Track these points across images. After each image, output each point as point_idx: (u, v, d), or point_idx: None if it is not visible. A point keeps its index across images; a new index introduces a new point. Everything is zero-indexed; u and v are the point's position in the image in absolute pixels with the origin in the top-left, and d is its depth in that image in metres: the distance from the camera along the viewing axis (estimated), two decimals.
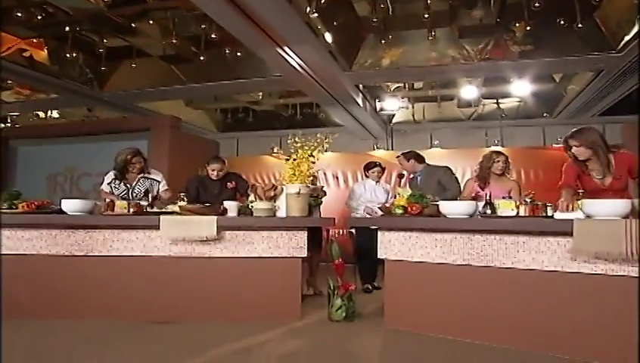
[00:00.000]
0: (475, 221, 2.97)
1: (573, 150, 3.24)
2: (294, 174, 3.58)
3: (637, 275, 2.48)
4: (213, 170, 4.34)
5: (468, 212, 3.02)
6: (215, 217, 3.34)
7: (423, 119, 8.84)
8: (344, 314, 3.34)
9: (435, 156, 8.16)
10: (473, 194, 3.19)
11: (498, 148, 5.39)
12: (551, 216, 2.87)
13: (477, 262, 2.93)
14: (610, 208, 2.57)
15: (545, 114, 8.36)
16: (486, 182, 3.85)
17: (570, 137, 3.25)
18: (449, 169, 4.58)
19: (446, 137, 8.86)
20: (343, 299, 3.36)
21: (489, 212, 3.08)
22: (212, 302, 3.37)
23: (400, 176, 4.95)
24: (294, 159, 3.60)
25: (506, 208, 3.01)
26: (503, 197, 3.16)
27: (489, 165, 3.86)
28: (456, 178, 4.53)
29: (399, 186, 4.78)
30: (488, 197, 3.14)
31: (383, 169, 5.07)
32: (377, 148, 8.99)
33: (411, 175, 4.75)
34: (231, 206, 3.61)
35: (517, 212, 2.98)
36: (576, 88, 7.11)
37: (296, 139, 3.67)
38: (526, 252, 2.79)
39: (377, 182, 5.04)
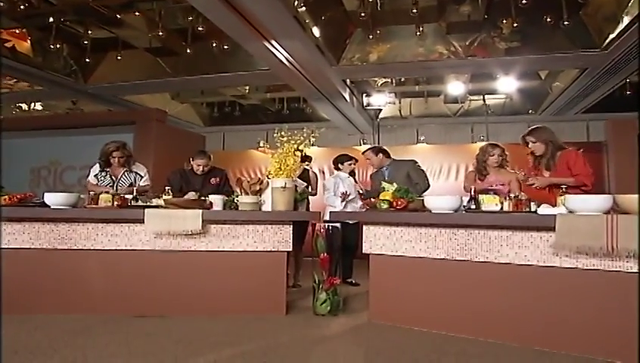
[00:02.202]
0: (459, 216, 3.00)
1: (530, 146, 3.63)
2: (280, 168, 3.57)
3: (618, 270, 2.53)
4: (199, 165, 4.33)
5: (453, 206, 3.05)
6: (201, 211, 3.32)
7: (409, 114, 8.90)
8: (329, 307, 3.36)
9: (421, 151, 8.24)
10: (472, 187, 3.25)
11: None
12: (535, 211, 2.91)
13: (461, 257, 2.97)
14: (592, 203, 2.62)
15: (530, 111, 8.51)
16: (484, 174, 3.91)
17: (527, 134, 3.65)
18: (417, 162, 4.65)
19: (432, 132, 8.94)
20: (328, 293, 3.38)
21: (473, 207, 3.11)
22: (198, 296, 3.35)
23: (352, 174, 4.94)
24: (280, 153, 3.60)
25: (490, 203, 3.04)
26: (488, 191, 3.18)
27: (485, 158, 3.91)
28: (424, 171, 4.60)
29: (356, 183, 4.87)
30: (473, 192, 3.16)
31: (356, 162, 5.07)
32: (364, 143, 9.02)
33: (375, 170, 4.79)
34: (216, 200, 3.60)
35: (501, 207, 3.02)
36: (561, 85, 7.23)
37: (283, 133, 3.66)
38: (509, 247, 2.83)
39: (349, 175, 5.04)
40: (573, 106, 7.81)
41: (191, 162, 4.39)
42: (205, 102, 9.27)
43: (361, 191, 4.78)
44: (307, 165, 4.89)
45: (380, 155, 4.73)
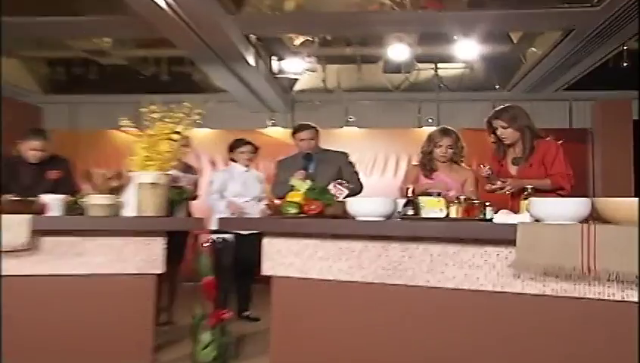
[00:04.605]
0: (392, 225, 3.06)
1: (498, 132, 3.69)
2: (149, 157, 3.51)
3: (597, 297, 2.56)
4: (31, 149, 4.21)
5: (384, 212, 3.10)
6: (28, 217, 3.17)
7: (337, 87, 9.05)
8: (215, 353, 3.33)
9: (349, 137, 8.41)
10: (410, 187, 3.29)
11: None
12: (490, 219, 3.01)
13: (394, 280, 3.01)
14: (564, 209, 2.65)
15: (497, 86, 8.91)
16: (431, 170, 4.05)
17: (495, 116, 3.69)
18: (348, 156, 4.82)
19: (366, 112, 9.14)
20: (213, 333, 3.35)
21: (410, 212, 3.17)
22: (24, 339, 3.19)
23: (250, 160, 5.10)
24: (151, 135, 3.53)
25: (432, 208, 3.12)
26: (430, 193, 3.29)
27: (430, 149, 4.05)
28: (357, 171, 4.78)
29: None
30: (411, 193, 3.25)
31: (256, 150, 5.16)
32: (273, 125, 9.06)
33: (284, 158, 4.93)
34: (52, 201, 3.46)
35: (447, 214, 3.10)
36: (539, 53, 7.45)
37: (155, 108, 3.58)
38: (456, 267, 2.89)
39: (247, 168, 5.12)
40: (552, 80, 8.14)
41: (21, 145, 4.24)
42: (44, 59, 8.87)
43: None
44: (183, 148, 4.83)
45: (316, 139, 4.83)
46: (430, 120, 8.84)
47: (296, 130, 4.93)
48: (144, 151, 3.52)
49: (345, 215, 3.26)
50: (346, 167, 4.66)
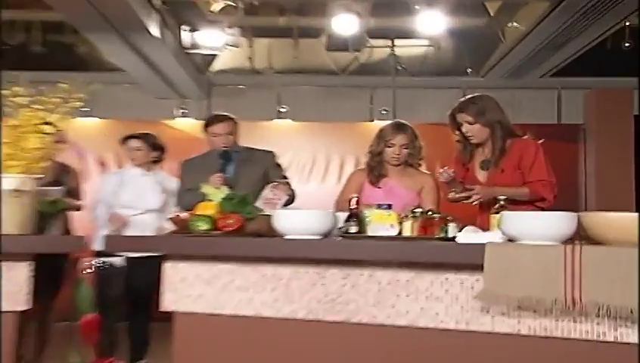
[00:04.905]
0: (330, 246, 3.07)
1: (464, 129, 3.77)
2: (11, 155, 3.41)
3: (584, 337, 2.60)
4: None
5: (320, 229, 3.11)
6: None
7: (267, 67, 9.06)
8: None
9: (282, 132, 8.43)
10: (354, 197, 3.28)
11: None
12: (453, 238, 3.06)
13: (333, 315, 3.02)
14: (545, 225, 2.69)
15: (468, 70, 9.07)
16: (380, 176, 4.11)
17: (460, 109, 3.78)
18: (275, 156, 4.91)
19: (304, 100, 9.20)
20: None
21: (354, 229, 3.19)
22: None
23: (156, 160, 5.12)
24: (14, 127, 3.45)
25: (381, 223, 3.15)
26: (379, 206, 3.30)
27: (380, 149, 4.11)
28: (286, 177, 4.75)
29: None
30: (354, 205, 3.26)
31: (161, 151, 5.22)
32: (184, 115, 9.00)
33: (191, 158, 4.98)
34: None
35: (399, 231, 3.15)
36: (521, 29, 7.55)
37: (21, 90, 3.48)
38: (410, 299, 2.91)
39: (146, 171, 5.13)
40: (537, 64, 8.29)
41: None
42: None
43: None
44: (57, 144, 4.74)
45: (235, 134, 4.86)
46: (384, 112, 8.90)
47: (209, 122, 4.94)
48: (5, 148, 3.44)
49: (271, 232, 3.24)
50: (273, 170, 4.68)
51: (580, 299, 2.43)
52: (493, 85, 8.55)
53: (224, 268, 3.22)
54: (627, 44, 7.71)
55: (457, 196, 3.71)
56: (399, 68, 9.00)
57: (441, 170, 3.72)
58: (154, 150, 5.14)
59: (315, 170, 8.00)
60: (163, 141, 5.40)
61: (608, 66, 8.08)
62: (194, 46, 8.19)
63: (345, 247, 3.06)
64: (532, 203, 3.66)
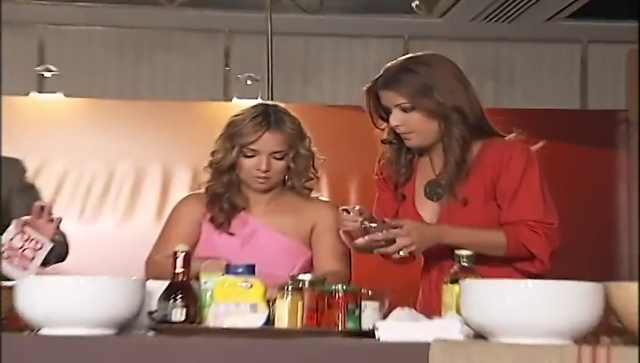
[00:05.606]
0: (125, 352, 2.15)
1: (393, 121, 2.60)
2: None
3: None
4: None
5: (114, 315, 2.19)
6: None
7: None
8: None
9: (48, 115, 6.34)
10: (182, 252, 2.39)
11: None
12: (372, 331, 2.17)
13: None
14: (542, 307, 1.83)
15: (414, 3, 6.68)
16: (232, 211, 2.96)
17: (386, 84, 2.62)
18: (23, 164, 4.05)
19: (90, 56, 6.94)
20: None
21: (178, 315, 2.32)
22: None
23: None
24: None
25: (235, 301, 2.31)
26: (228, 270, 2.41)
27: (229, 163, 2.94)
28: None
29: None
30: (181, 267, 2.30)
31: None
32: None
33: None
34: None
35: (270, 317, 2.33)
36: None
37: None
38: None
39: None
40: None
41: None
42: None
43: None
44: None
45: None
46: (249, 82, 6.25)
47: None
48: None
49: (14, 321, 2.47)
50: (22, 193, 3.44)
51: None
52: (458, 33, 6.43)
53: None
54: None
55: (366, 240, 2.48)
56: None
57: (341, 208, 2.58)
58: None
59: (111, 192, 5.88)
60: None
61: None
62: None
63: (158, 351, 2.06)
64: (515, 264, 2.55)
